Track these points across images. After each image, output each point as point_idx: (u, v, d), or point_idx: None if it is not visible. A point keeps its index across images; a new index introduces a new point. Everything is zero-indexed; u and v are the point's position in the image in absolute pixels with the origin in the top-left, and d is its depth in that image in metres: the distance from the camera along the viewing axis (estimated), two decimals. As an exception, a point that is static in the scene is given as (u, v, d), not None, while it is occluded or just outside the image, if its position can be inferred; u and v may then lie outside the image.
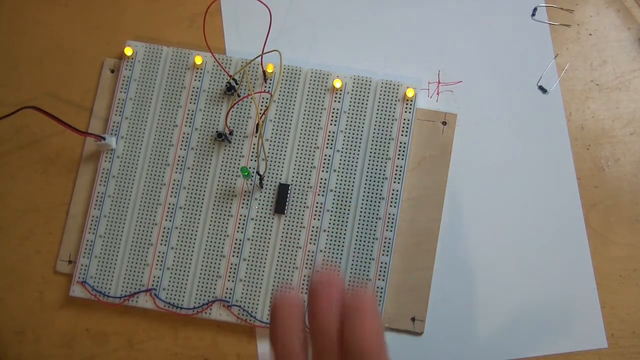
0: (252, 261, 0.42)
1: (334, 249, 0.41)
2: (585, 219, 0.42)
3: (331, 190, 0.42)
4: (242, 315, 0.41)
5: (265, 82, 0.43)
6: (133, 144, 0.43)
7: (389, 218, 0.41)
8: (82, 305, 0.43)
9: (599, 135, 0.43)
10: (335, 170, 0.42)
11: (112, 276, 0.42)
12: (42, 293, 0.43)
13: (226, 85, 0.43)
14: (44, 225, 0.44)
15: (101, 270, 0.42)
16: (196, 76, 0.44)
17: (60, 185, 0.44)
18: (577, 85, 0.44)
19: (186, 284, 0.41)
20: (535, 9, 0.45)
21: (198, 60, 0.43)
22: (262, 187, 0.42)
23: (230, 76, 0.43)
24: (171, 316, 0.42)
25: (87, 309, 0.43)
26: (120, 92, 0.44)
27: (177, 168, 0.43)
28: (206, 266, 0.42)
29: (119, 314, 0.43)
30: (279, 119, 0.43)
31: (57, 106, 0.45)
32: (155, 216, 0.42)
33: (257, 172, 0.41)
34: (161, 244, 0.42)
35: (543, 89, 0.44)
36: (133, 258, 0.42)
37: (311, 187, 0.42)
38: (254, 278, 0.41)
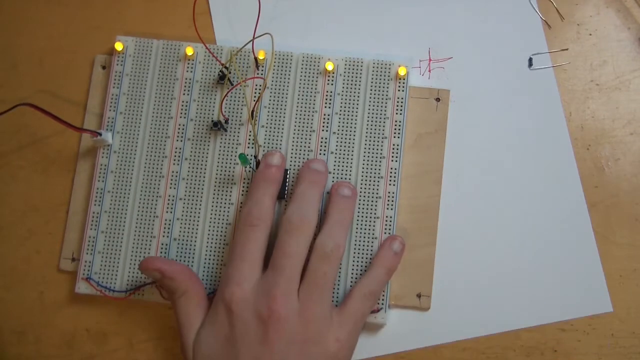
0: (255, 247, 0.41)
1: (336, 230, 0.41)
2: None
3: (330, 172, 0.42)
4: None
5: (258, 69, 0.44)
6: (129, 138, 0.43)
7: (389, 196, 0.42)
8: (82, 305, 0.43)
9: (599, 135, 0.44)
10: (332, 152, 0.42)
11: (117, 271, 0.42)
12: (42, 293, 0.43)
13: (218, 74, 0.43)
14: (44, 225, 0.44)
15: (105, 265, 0.42)
16: (188, 67, 0.44)
17: (60, 185, 0.44)
18: (577, 85, 0.44)
19: (191, 273, 0.42)
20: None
21: (189, 51, 0.44)
22: (260, 174, 0.42)
23: (222, 64, 0.43)
24: (172, 316, 0.42)
25: (87, 309, 0.43)
26: (113, 87, 0.44)
27: (174, 160, 0.43)
28: (210, 255, 0.42)
29: (119, 314, 0.43)
30: (273, 104, 0.43)
31: (55, 104, 0.45)
32: (155, 209, 0.42)
33: (255, 159, 0.41)
34: (164, 236, 0.42)
35: (531, 62, 0.44)
36: (136, 251, 0.42)
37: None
38: (258, 264, 0.41)
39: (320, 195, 0.40)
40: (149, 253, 0.42)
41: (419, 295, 0.41)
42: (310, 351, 0.36)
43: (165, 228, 0.42)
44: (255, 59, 0.43)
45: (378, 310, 0.40)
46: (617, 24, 0.45)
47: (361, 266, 0.41)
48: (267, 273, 0.37)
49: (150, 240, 0.42)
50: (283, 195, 0.42)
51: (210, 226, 0.42)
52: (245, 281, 0.37)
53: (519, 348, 0.41)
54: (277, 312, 0.36)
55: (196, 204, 0.42)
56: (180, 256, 0.42)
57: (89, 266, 0.42)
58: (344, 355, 0.38)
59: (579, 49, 0.45)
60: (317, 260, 0.38)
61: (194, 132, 0.43)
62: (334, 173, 0.42)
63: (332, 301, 0.40)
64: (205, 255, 0.42)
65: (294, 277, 0.37)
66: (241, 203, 0.42)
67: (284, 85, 0.43)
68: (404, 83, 0.43)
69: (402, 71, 0.42)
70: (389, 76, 0.43)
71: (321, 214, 0.41)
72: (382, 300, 0.40)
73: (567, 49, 0.44)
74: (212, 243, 0.42)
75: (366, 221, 0.41)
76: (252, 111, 0.43)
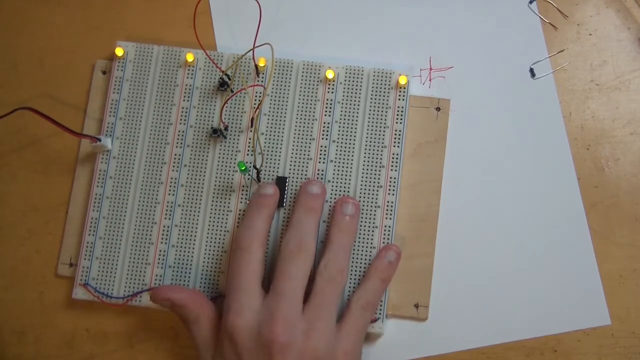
0: (253, 255, 0.42)
1: (334, 239, 0.41)
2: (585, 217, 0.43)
3: (329, 181, 0.42)
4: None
5: (258, 76, 0.43)
6: (128, 144, 0.43)
7: (388, 206, 0.41)
8: (82, 305, 0.43)
9: (599, 135, 0.43)
10: (332, 161, 0.42)
11: (114, 277, 0.42)
12: (42, 293, 0.43)
13: (219, 81, 0.43)
14: (44, 225, 0.44)
15: (103, 271, 0.42)
16: (188, 74, 0.44)
17: (60, 185, 0.44)
18: (577, 85, 0.44)
19: (189, 280, 0.42)
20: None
21: (189, 57, 0.43)
22: (259, 181, 0.42)
23: (222, 71, 0.43)
24: (172, 316, 0.42)
25: (87, 310, 0.43)
26: (114, 93, 0.44)
27: (173, 166, 0.43)
28: (208, 262, 0.42)
29: (119, 314, 0.43)
30: (273, 112, 0.43)
31: (55, 107, 0.45)
32: (154, 215, 0.42)
33: (254, 166, 0.41)
34: (162, 243, 0.42)
35: (533, 72, 0.44)
36: (134, 258, 0.42)
37: (309, 179, 0.42)
38: (255, 272, 0.41)
39: (317, 220, 0.40)
40: (147, 259, 0.42)
41: (416, 306, 0.41)
42: None
43: (163, 235, 0.42)
44: (256, 66, 0.43)
45: (375, 320, 0.40)
46: (617, 24, 0.45)
47: (360, 276, 0.41)
48: (268, 298, 0.37)
49: (149, 247, 0.42)
50: (282, 204, 0.41)
51: (208, 233, 0.42)
52: (246, 310, 0.37)
53: (519, 348, 0.41)
54: (281, 337, 0.35)
55: (195, 211, 0.42)
56: (178, 263, 0.42)
57: (87, 272, 0.42)
58: None
59: (579, 49, 0.45)
60: (323, 282, 0.38)
61: (193, 139, 0.43)
62: (333, 182, 0.42)
63: None
64: (203, 262, 0.42)
65: (296, 300, 0.37)
66: (240, 210, 0.42)
67: (284, 93, 0.43)
68: (404, 92, 0.43)
69: (402, 80, 0.42)
70: (389, 85, 0.43)
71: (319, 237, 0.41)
72: (380, 310, 0.40)
73: (567, 49, 0.44)
74: (210, 250, 0.42)
75: (365, 230, 0.41)
76: (252, 119, 0.42)
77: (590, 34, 0.45)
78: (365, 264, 0.41)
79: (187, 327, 0.39)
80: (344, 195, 0.42)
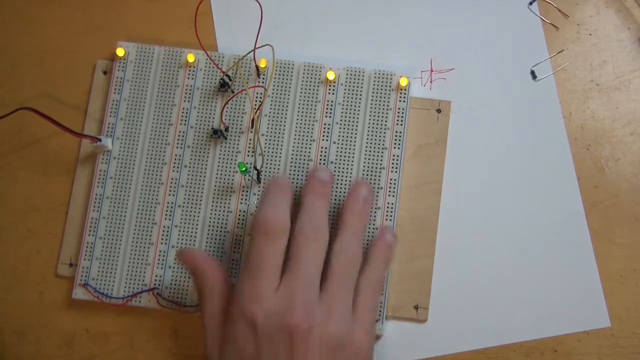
0: (254, 256, 0.42)
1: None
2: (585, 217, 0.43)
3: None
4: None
5: (259, 77, 0.43)
6: (129, 144, 0.43)
7: (388, 207, 0.42)
8: (82, 305, 0.43)
9: (599, 135, 0.43)
10: (332, 162, 0.42)
11: (114, 277, 0.42)
12: (42, 293, 0.43)
13: (219, 81, 0.43)
14: (44, 225, 0.44)
15: (103, 271, 0.42)
16: (189, 74, 0.44)
17: (60, 185, 0.44)
18: (577, 85, 0.44)
19: (189, 282, 0.42)
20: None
21: (190, 58, 0.43)
22: (260, 182, 0.42)
23: (223, 72, 0.43)
24: (172, 316, 0.42)
25: (87, 310, 0.43)
26: (114, 93, 0.44)
27: (174, 166, 0.43)
28: (208, 263, 0.42)
29: (119, 314, 0.43)
30: (274, 113, 0.43)
31: (55, 107, 0.45)
32: (154, 215, 0.42)
33: (255, 167, 0.41)
34: (162, 243, 0.42)
35: (534, 75, 0.44)
36: (134, 258, 0.42)
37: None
38: (256, 273, 0.41)
39: (328, 205, 0.39)
40: (147, 260, 0.42)
41: (416, 307, 0.41)
42: (345, 350, 0.36)
43: (163, 235, 0.42)
44: (257, 67, 0.43)
45: (375, 322, 0.40)
46: (617, 24, 0.45)
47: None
48: (285, 284, 0.36)
49: (149, 247, 0.42)
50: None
51: (208, 234, 0.42)
52: (264, 296, 0.36)
53: (519, 348, 0.41)
54: (303, 323, 0.35)
55: (195, 212, 0.42)
56: (179, 264, 0.42)
57: (87, 272, 0.42)
58: (371, 345, 0.38)
59: (579, 49, 0.45)
60: (339, 266, 0.37)
61: (194, 140, 0.43)
62: (333, 182, 0.42)
63: None
64: (204, 263, 0.42)
65: (314, 284, 0.36)
66: (240, 211, 0.42)
67: (284, 94, 0.43)
68: (405, 94, 0.43)
69: (403, 82, 0.42)
70: (390, 87, 0.43)
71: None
72: (379, 311, 0.40)
73: (567, 50, 0.44)
74: (210, 251, 0.42)
75: (365, 232, 0.41)
76: (253, 120, 0.42)
77: (590, 34, 0.45)
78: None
79: (199, 298, 0.38)
80: (358, 177, 0.42)
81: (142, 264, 0.42)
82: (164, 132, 0.43)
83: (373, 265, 0.39)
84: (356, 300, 0.38)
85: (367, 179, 0.42)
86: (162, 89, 0.44)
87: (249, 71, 0.43)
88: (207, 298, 0.38)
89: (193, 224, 0.42)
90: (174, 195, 0.42)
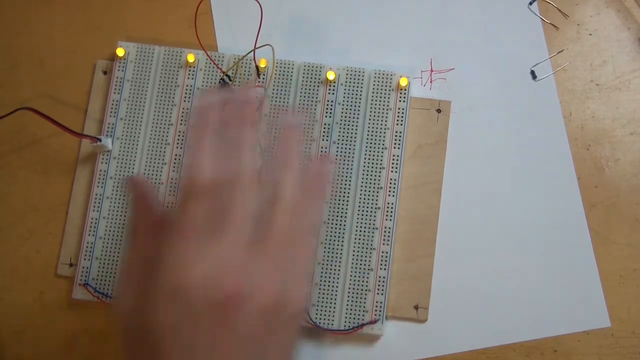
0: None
1: (334, 240, 0.41)
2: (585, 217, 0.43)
3: (329, 182, 0.42)
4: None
5: (259, 77, 0.43)
6: (129, 144, 0.43)
7: (388, 207, 0.42)
8: (82, 305, 0.43)
9: (599, 135, 0.43)
10: (332, 162, 0.42)
11: (114, 277, 0.42)
12: (42, 293, 0.43)
13: (220, 81, 0.43)
14: (44, 225, 0.44)
15: (103, 271, 0.42)
16: (189, 74, 0.44)
17: (60, 185, 0.44)
18: (577, 85, 0.44)
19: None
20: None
21: (190, 58, 0.43)
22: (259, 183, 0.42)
23: (223, 72, 0.43)
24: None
25: (87, 309, 0.43)
26: (114, 93, 0.44)
27: (174, 166, 0.43)
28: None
29: (119, 315, 0.43)
30: (274, 113, 0.43)
31: (55, 107, 0.45)
32: (154, 216, 0.42)
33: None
34: (162, 243, 0.42)
35: (534, 75, 0.44)
36: (134, 258, 0.42)
37: None
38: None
39: (253, 134, 0.32)
40: (147, 260, 0.42)
41: (416, 307, 0.41)
42: (283, 312, 0.29)
43: (163, 235, 0.42)
44: (257, 67, 0.43)
45: (375, 322, 0.40)
46: (617, 24, 0.45)
47: (359, 277, 0.41)
48: (210, 240, 0.28)
49: (149, 247, 0.42)
50: None
51: (208, 234, 0.42)
52: (197, 262, 0.28)
53: (519, 348, 0.41)
54: (234, 288, 0.28)
55: (195, 212, 0.42)
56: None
57: (87, 272, 0.42)
58: (307, 298, 0.32)
59: (579, 49, 0.45)
60: (271, 211, 0.30)
61: (194, 140, 0.43)
62: (333, 183, 0.42)
63: None
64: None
65: (244, 238, 0.29)
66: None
67: (285, 94, 0.43)
68: (405, 94, 0.43)
69: (403, 82, 0.42)
70: (390, 87, 0.43)
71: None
72: (379, 311, 0.40)
73: (567, 49, 0.44)
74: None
75: (365, 232, 0.41)
76: (253, 120, 0.42)
77: (590, 34, 0.45)
78: (365, 264, 0.41)
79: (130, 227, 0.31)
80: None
81: (142, 264, 0.42)
82: (164, 132, 0.43)
83: (305, 203, 0.32)
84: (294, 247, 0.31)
85: (367, 179, 0.42)
86: (162, 89, 0.44)
87: (249, 71, 0.43)
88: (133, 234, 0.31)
89: (193, 224, 0.42)
90: (173, 195, 0.42)
